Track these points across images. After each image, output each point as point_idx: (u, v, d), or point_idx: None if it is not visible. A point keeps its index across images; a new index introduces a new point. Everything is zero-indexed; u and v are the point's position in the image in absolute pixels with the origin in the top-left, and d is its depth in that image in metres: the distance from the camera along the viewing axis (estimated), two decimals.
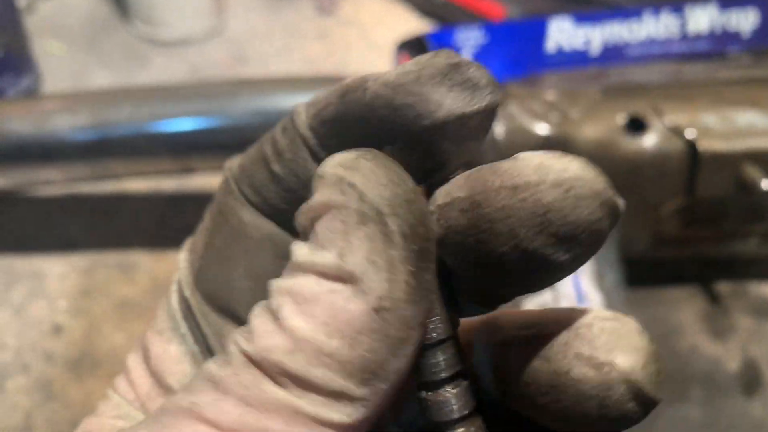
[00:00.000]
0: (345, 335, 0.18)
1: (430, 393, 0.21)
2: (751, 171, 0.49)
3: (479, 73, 0.21)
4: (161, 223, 0.60)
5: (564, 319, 0.21)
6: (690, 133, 0.50)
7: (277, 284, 0.20)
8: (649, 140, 0.50)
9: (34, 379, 0.49)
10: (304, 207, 0.20)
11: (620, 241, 0.52)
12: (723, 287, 0.57)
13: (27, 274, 0.56)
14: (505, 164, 0.20)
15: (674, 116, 0.50)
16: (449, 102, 0.20)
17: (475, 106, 0.20)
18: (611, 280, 0.50)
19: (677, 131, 0.50)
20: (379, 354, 0.19)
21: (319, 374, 0.18)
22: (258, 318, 0.20)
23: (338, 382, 0.18)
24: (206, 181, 0.62)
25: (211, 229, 0.25)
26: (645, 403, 0.20)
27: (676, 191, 0.51)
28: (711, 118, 0.50)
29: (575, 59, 0.63)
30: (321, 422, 0.19)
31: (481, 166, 0.20)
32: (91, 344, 0.51)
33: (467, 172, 0.21)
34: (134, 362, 0.26)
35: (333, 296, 0.19)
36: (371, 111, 0.21)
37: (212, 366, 0.20)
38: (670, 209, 0.51)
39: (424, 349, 0.21)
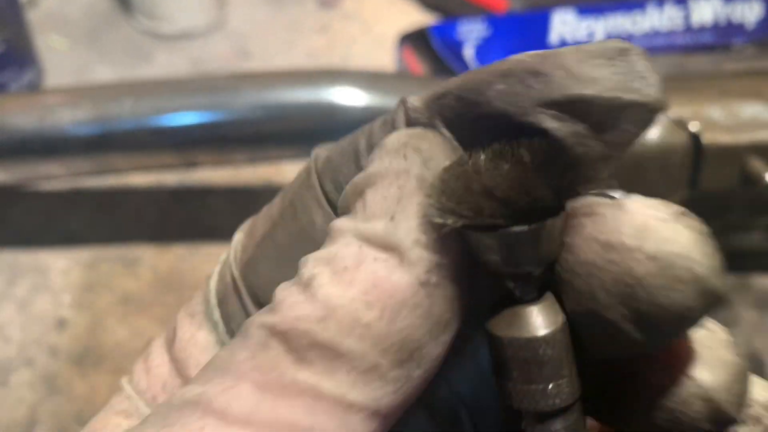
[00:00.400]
0: (385, 307, 0.16)
1: None
2: (756, 164, 0.49)
3: (649, 67, 0.17)
4: (164, 217, 0.60)
5: None
6: (694, 126, 0.49)
7: (312, 255, 0.18)
8: (653, 133, 0.50)
9: (39, 374, 0.49)
10: (355, 179, 0.18)
11: None
12: (727, 280, 0.57)
13: (30, 268, 0.56)
14: (609, 211, 0.17)
15: (678, 109, 0.50)
16: (606, 81, 0.17)
17: (634, 96, 0.16)
18: None
19: (681, 124, 0.50)
20: (419, 333, 0.17)
21: (353, 345, 0.16)
22: (284, 290, 0.18)
23: (372, 357, 0.16)
24: (209, 175, 0.62)
25: (276, 219, 0.22)
26: (721, 423, 0.18)
27: (680, 184, 0.50)
28: (715, 111, 0.50)
29: None
30: (346, 406, 0.16)
31: (586, 200, 0.17)
32: (95, 338, 0.51)
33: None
34: (157, 346, 0.23)
35: (376, 264, 0.17)
36: (509, 76, 0.17)
37: (224, 351, 0.18)
38: (675, 201, 0.51)
39: (540, 416, 0.18)
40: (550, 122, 0.17)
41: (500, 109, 0.17)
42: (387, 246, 0.17)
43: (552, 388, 0.17)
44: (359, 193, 0.18)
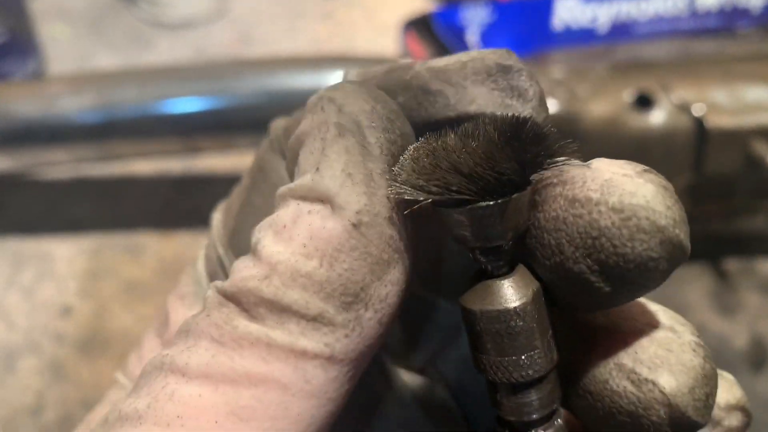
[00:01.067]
0: (323, 255, 0.17)
1: None
2: (760, 147, 0.49)
3: (529, 84, 0.18)
4: (168, 205, 0.60)
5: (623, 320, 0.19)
6: (698, 109, 0.49)
7: (260, 224, 0.19)
8: (657, 117, 0.50)
9: (45, 360, 0.49)
10: (289, 143, 0.19)
11: None
12: (731, 264, 0.57)
13: (36, 256, 0.56)
14: (576, 170, 0.17)
15: (682, 92, 0.50)
16: (483, 100, 0.18)
17: (511, 110, 0.18)
18: None
19: (685, 107, 0.50)
20: (360, 274, 0.17)
21: (296, 296, 0.17)
22: (239, 261, 0.18)
23: (316, 304, 0.17)
24: (213, 162, 0.62)
25: (249, 187, 0.23)
26: (685, 428, 0.17)
27: (684, 168, 0.50)
28: (719, 94, 0.50)
29: (582, 37, 0.63)
30: (298, 353, 0.17)
31: (558, 164, 0.18)
32: (100, 325, 0.52)
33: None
34: (148, 336, 0.24)
35: (311, 216, 0.17)
36: (407, 90, 0.19)
37: (187, 318, 0.18)
38: (678, 186, 0.51)
39: (514, 387, 0.18)
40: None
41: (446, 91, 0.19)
42: (317, 197, 0.17)
43: (525, 359, 0.18)
44: (295, 156, 0.19)
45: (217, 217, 0.24)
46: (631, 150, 0.50)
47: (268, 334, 0.17)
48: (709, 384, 0.18)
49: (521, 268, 0.18)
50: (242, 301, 0.17)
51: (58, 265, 0.55)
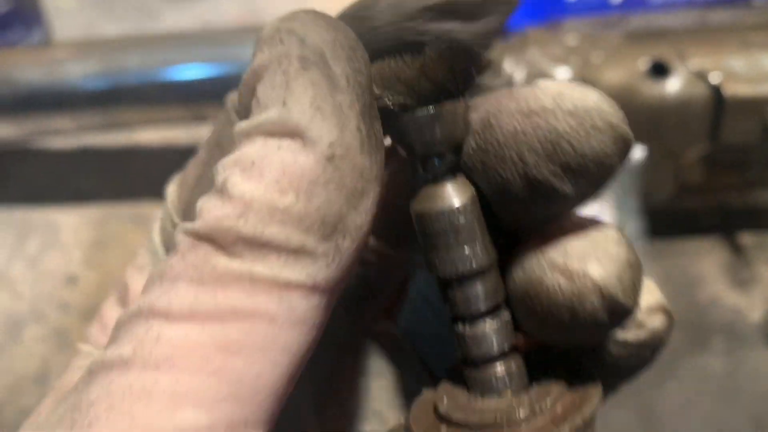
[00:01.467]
0: (299, 189, 0.17)
1: (468, 327, 0.20)
2: None
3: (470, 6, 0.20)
4: (173, 175, 0.60)
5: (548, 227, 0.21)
6: (715, 78, 0.48)
7: (221, 162, 0.18)
8: (673, 85, 0.49)
9: (50, 328, 0.49)
10: (243, 78, 0.19)
11: (642, 190, 0.50)
12: (746, 238, 0.56)
13: (41, 225, 0.55)
14: (524, 90, 0.19)
15: (698, 60, 0.49)
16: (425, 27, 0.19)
17: None
18: (632, 231, 0.49)
19: (701, 75, 0.48)
20: (337, 205, 0.18)
21: (275, 231, 0.17)
22: (203, 201, 0.18)
23: (297, 237, 0.17)
24: None
25: (206, 161, 0.23)
26: (618, 313, 0.19)
27: (700, 137, 0.49)
28: (737, 62, 0.49)
29: (597, 5, 0.61)
30: (282, 285, 0.17)
31: (499, 90, 0.20)
32: (106, 294, 0.51)
33: (484, 95, 0.20)
34: (108, 306, 0.24)
35: (281, 153, 0.17)
36: (356, 20, 0.20)
37: (156, 267, 0.18)
38: (694, 156, 0.50)
39: (461, 279, 0.20)
40: (430, 24, 0.19)
41: (388, 20, 0.20)
42: (286, 132, 0.18)
43: (468, 251, 0.20)
44: (251, 91, 0.19)
45: (172, 189, 0.25)
46: (646, 118, 0.49)
47: (251, 269, 0.17)
48: (634, 271, 0.19)
49: (461, 175, 0.20)
50: (218, 240, 0.17)
51: (64, 235, 0.55)
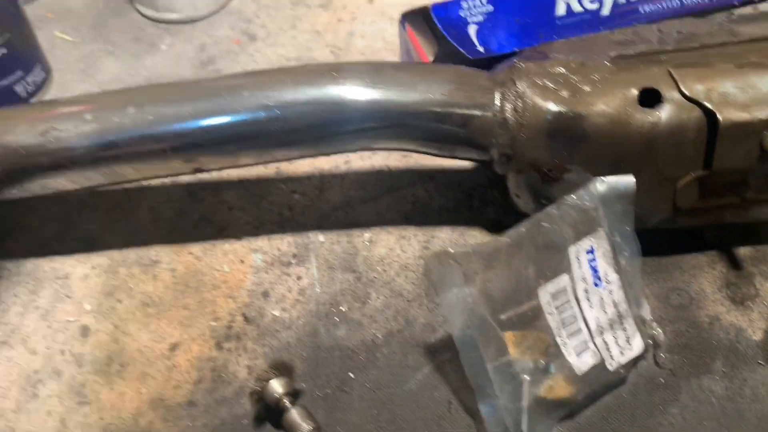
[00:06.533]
0: None
1: None
2: None
3: None
4: (180, 216, 0.60)
5: None
6: (708, 103, 0.48)
7: None
8: (665, 112, 0.48)
9: (66, 384, 0.51)
10: None
11: (636, 215, 0.50)
12: (744, 252, 0.56)
13: (52, 276, 0.57)
14: None
15: (691, 85, 0.48)
16: None
17: None
18: (628, 256, 0.49)
19: (694, 101, 0.48)
20: None
21: None
22: None
23: None
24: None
25: None
26: None
27: (695, 165, 0.49)
28: (730, 86, 0.48)
29: (586, 21, 0.61)
30: None
31: None
32: (118, 345, 0.53)
33: None
34: None
35: None
36: None
37: None
38: (688, 181, 0.50)
39: None
40: None
41: None
42: None
43: None
44: None
45: None
46: (639, 148, 0.49)
47: None
48: None
49: None
50: None
51: (74, 285, 0.56)
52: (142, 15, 0.79)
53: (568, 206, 0.47)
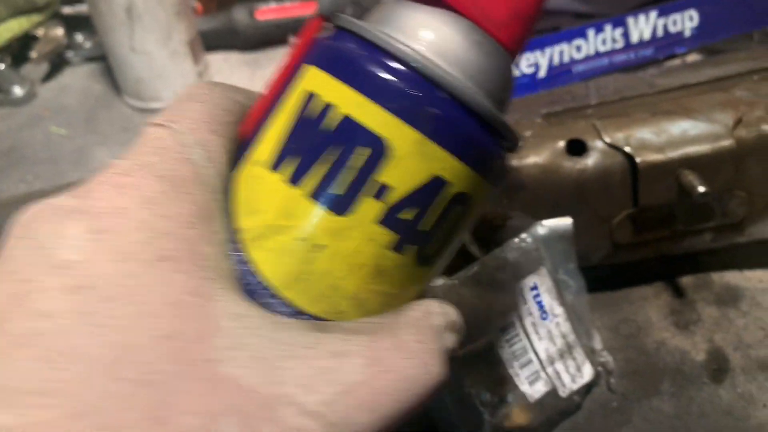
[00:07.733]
0: None
1: None
2: (688, 176, 0.53)
3: None
4: None
5: None
6: (628, 148, 0.54)
7: None
8: (591, 159, 0.54)
9: None
10: None
11: (579, 252, 0.56)
12: (686, 280, 0.61)
13: None
14: None
15: (612, 134, 0.54)
16: None
17: None
18: (573, 291, 0.54)
19: (616, 147, 0.54)
20: None
21: None
22: None
23: None
24: None
25: None
26: None
27: (623, 203, 0.55)
28: (646, 132, 0.54)
29: (525, 85, 0.67)
30: None
31: None
32: None
33: None
34: None
35: None
36: None
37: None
38: (621, 219, 0.55)
39: None
40: None
41: None
42: None
43: None
44: None
45: None
46: (572, 191, 0.54)
47: None
48: None
49: None
50: None
51: None
52: (130, 106, 0.86)
53: (512, 248, 0.53)
